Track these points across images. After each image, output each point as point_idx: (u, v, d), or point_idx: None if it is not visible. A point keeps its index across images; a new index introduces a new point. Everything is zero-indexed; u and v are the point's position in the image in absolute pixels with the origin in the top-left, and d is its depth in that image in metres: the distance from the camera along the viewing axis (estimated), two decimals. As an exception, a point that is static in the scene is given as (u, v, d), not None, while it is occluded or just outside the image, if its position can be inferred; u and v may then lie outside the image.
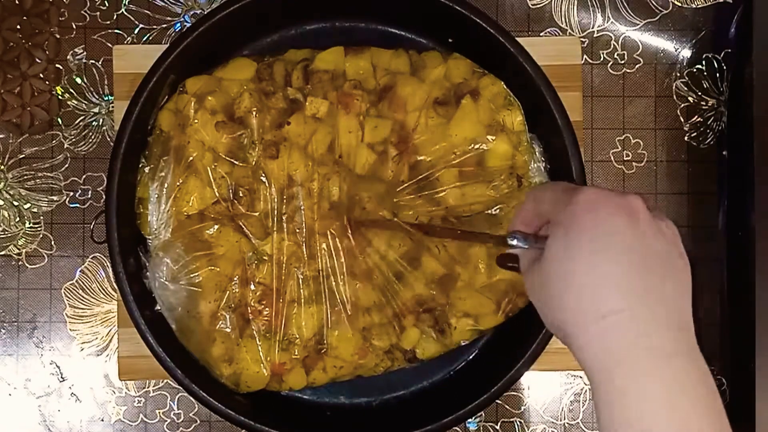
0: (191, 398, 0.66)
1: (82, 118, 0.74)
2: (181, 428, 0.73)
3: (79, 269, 0.74)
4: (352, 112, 0.65)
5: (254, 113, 0.65)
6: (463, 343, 0.68)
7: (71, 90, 0.74)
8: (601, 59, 0.75)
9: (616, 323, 0.43)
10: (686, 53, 0.76)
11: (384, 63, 0.67)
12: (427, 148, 0.66)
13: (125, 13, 0.75)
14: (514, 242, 0.49)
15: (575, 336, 0.45)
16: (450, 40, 0.70)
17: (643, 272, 0.44)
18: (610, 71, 0.75)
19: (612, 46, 0.75)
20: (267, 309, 0.65)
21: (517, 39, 0.65)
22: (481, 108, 0.66)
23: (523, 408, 0.74)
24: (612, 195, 0.46)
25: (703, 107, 0.75)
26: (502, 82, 0.67)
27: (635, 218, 0.45)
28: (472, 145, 0.66)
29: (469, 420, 0.73)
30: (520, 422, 0.74)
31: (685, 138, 0.75)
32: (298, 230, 0.65)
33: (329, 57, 0.67)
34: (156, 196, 0.65)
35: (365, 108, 0.66)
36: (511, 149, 0.66)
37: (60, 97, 0.74)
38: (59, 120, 0.74)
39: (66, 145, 0.74)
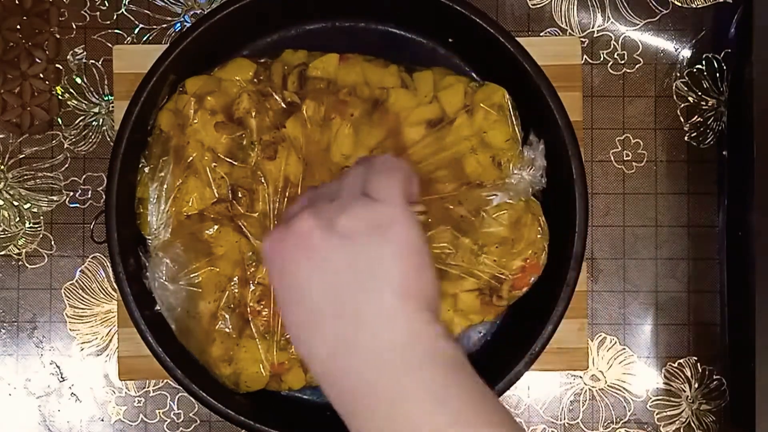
0: (191, 398, 0.66)
1: (82, 118, 0.74)
2: (181, 428, 0.73)
3: (79, 269, 0.74)
4: (346, 117, 0.65)
5: (253, 114, 0.65)
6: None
7: (71, 90, 0.74)
8: (601, 59, 0.75)
9: (329, 369, 0.41)
10: (686, 53, 0.76)
11: (375, 80, 0.67)
12: (422, 157, 0.65)
13: (125, 13, 0.75)
14: None
15: (307, 365, 0.44)
16: (450, 40, 0.70)
17: (336, 312, 0.41)
18: (610, 71, 0.75)
19: (612, 46, 0.75)
20: (266, 309, 0.65)
21: (517, 39, 0.65)
22: (476, 120, 0.66)
23: (523, 408, 0.74)
24: (281, 235, 0.43)
25: (703, 107, 0.75)
26: (501, 91, 0.67)
27: (310, 250, 0.42)
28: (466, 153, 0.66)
29: (469, 420, 0.73)
30: (520, 422, 0.74)
31: (685, 138, 0.76)
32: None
33: (322, 65, 0.67)
34: (156, 196, 0.65)
35: (359, 114, 0.65)
36: (494, 169, 0.66)
37: (60, 97, 0.74)
38: (59, 120, 0.74)
39: (66, 145, 0.74)
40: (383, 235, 0.41)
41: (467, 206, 0.65)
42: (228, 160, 0.65)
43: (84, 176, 0.74)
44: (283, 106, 0.66)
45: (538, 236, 0.66)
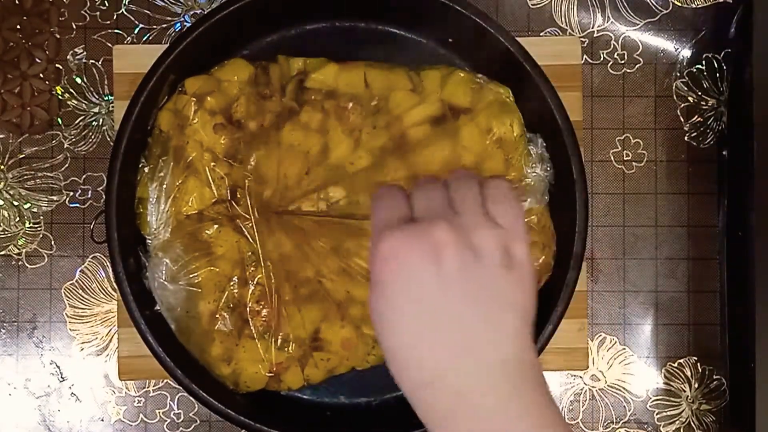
0: (191, 398, 0.66)
1: (82, 117, 0.74)
2: (181, 428, 0.74)
3: (79, 269, 0.74)
4: (347, 126, 0.65)
5: (251, 116, 0.65)
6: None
7: (71, 90, 0.74)
8: (601, 59, 0.76)
9: (432, 390, 0.42)
10: (686, 53, 0.76)
11: (379, 83, 0.66)
12: (425, 161, 0.65)
13: (125, 13, 0.75)
14: None
15: (401, 385, 0.44)
16: (450, 41, 0.70)
17: (455, 326, 0.42)
18: (610, 71, 0.75)
19: (612, 46, 0.75)
20: (265, 309, 0.65)
21: (517, 39, 0.65)
22: (478, 121, 0.65)
23: (523, 408, 0.74)
24: (412, 238, 0.42)
25: (703, 107, 0.75)
26: (505, 90, 0.66)
27: (439, 261, 0.42)
28: (469, 159, 0.65)
29: (469, 420, 0.73)
30: (520, 422, 0.74)
31: (685, 138, 0.76)
32: (296, 231, 0.65)
33: (321, 77, 0.66)
34: (155, 196, 0.65)
35: (360, 121, 0.65)
36: (503, 166, 0.65)
37: (60, 97, 0.74)
38: (59, 120, 0.74)
39: (66, 145, 0.74)
40: (510, 262, 0.43)
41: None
42: (227, 160, 0.65)
43: (84, 176, 0.74)
44: (281, 109, 0.66)
45: (552, 236, 0.67)
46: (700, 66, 0.76)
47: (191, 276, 0.64)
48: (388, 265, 0.43)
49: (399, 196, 0.47)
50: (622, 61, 0.76)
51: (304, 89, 0.66)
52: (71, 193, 0.74)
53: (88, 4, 0.74)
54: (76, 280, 0.74)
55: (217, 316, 0.65)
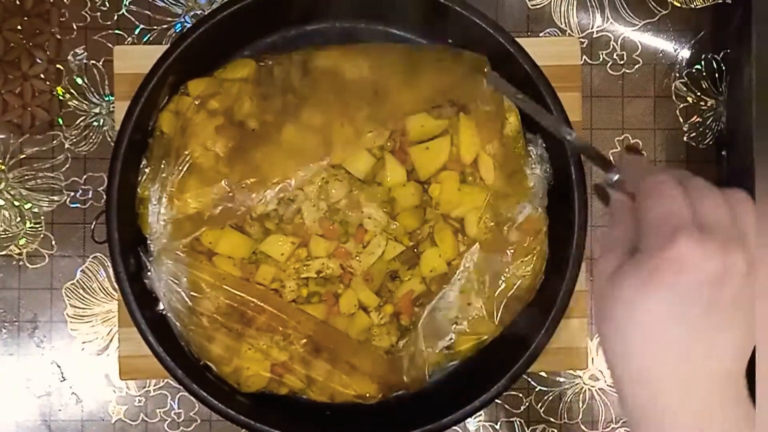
0: (192, 398, 0.66)
1: (82, 118, 0.75)
2: (181, 427, 0.74)
3: (80, 269, 0.74)
4: (350, 125, 0.65)
5: (252, 116, 0.65)
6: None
7: (72, 90, 0.74)
8: (601, 60, 0.76)
9: (656, 389, 0.41)
10: (685, 54, 0.76)
11: (381, 61, 0.67)
12: (425, 157, 0.66)
13: (126, 13, 0.75)
14: (612, 177, 0.46)
15: (615, 375, 0.43)
16: (450, 41, 0.71)
17: (702, 338, 0.40)
18: (610, 71, 0.76)
19: (611, 46, 0.76)
20: (267, 309, 0.65)
21: (517, 39, 0.66)
22: (476, 118, 0.66)
23: (522, 408, 0.74)
24: (712, 252, 0.39)
25: (702, 107, 0.76)
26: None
27: (722, 287, 0.40)
28: (468, 156, 0.66)
29: (469, 420, 0.74)
30: (520, 422, 0.74)
31: (684, 138, 0.76)
32: (297, 231, 0.65)
33: (325, 54, 0.67)
34: (157, 196, 0.65)
35: (362, 115, 0.65)
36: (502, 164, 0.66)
37: (61, 97, 0.74)
38: (60, 120, 0.75)
39: (67, 146, 0.74)
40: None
41: (495, 218, 0.66)
42: (228, 161, 0.65)
43: (85, 176, 0.74)
44: (282, 109, 0.66)
45: (546, 241, 0.67)
46: (699, 66, 0.76)
47: (192, 276, 0.65)
48: (674, 273, 0.39)
49: (679, 198, 0.44)
50: (622, 62, 0.76)
51: (308, 71, 0.66)
52: (72, 194, 0.74)
53: (89, 4, 0.75)
54: (77, 280, 0.74)
55: (219, 315, 0.65)
